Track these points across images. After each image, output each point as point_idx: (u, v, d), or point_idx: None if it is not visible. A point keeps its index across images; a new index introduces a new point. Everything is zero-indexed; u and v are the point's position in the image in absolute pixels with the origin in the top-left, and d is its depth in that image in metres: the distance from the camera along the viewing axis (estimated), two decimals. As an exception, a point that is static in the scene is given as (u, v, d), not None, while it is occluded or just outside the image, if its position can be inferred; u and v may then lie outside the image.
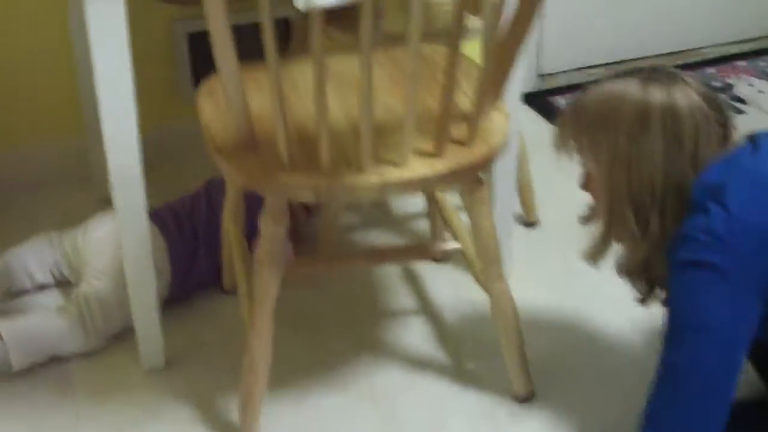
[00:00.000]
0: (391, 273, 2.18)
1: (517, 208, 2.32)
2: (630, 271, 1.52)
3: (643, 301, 1.54)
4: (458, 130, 1.60)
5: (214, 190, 2.13)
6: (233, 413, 1.81)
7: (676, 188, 1.40)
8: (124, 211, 1.77)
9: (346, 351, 1.97)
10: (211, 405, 1.83)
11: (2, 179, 2.40)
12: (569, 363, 1.93)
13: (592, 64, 3.03)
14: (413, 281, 2.16)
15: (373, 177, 1.52)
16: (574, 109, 1.57)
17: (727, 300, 1.30)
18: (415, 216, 2.38)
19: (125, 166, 1.73)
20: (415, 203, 2.42)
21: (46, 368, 1.90)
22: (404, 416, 1.80)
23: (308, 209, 2.21)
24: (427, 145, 1.57)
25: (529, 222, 2.35)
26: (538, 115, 2.79)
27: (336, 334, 2.01)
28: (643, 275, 1.50)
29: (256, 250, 1.61)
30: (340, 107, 1.66)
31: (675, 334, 1.34)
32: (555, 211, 2.38)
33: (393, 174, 1.52)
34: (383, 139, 1.58)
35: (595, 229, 1.53)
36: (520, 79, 1.95)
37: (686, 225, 1.35)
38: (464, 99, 1.70)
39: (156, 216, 2.01)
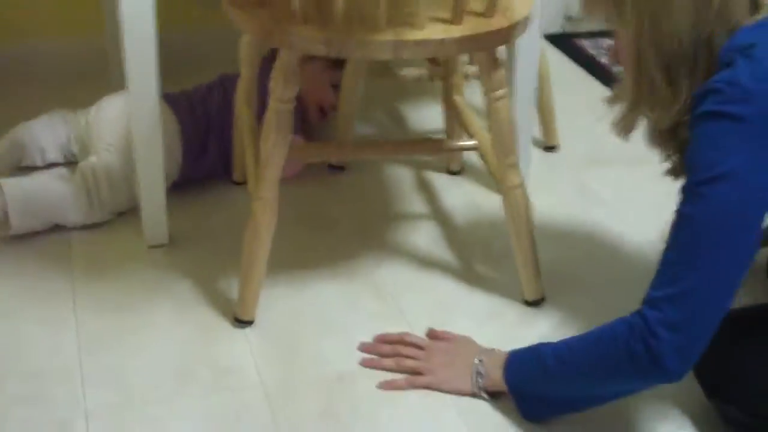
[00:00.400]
0: (404, 181, 2.14)
1: (537, 133, 2.27)
2: (661, 138, 1.46)
3: (675, 171, 1.48)
4: (478, 4, 1.56)
5: (227, 82, 2.09)
6: (234, 292, 1.77)
7: (705, 46, 1.34)
8: (136, 85, 1.75)
9: (352, 246, 1.93)
10: (212, 284, 1.80)
11: (16, 71, 2.38)
12: (582, 271, 1.88)
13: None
14: (426, 190, 2.12)
15: (387, 34, 1.48)
16: None
17: (749, 149, 1.24)
18: (433, 133, 2.34)
19: (140, 40, 1.71)
20: (433, 119, 2.37)
21: (46, 237, 1.88)
22: (407, 310, 1.76)
23: (323, 110, 2.18)
24: (445, 14, 1.54)
25: (548, 146, 2.30)
26: (563, 55, 2.75)
27: (344, 231, 1.97)
28: (674, 142, 1.45)
29: (265, 112, 1.58)
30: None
31: (693, 188, 1.28)
32: (575, 140, 2.33)
33: (408, 34, 1.49)
34: (399, 8, 1.55)
35: (623, 100, 1.47)
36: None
37: (711, 79, 1.30)
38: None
39: (168, 97, 1.99)
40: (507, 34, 1.56)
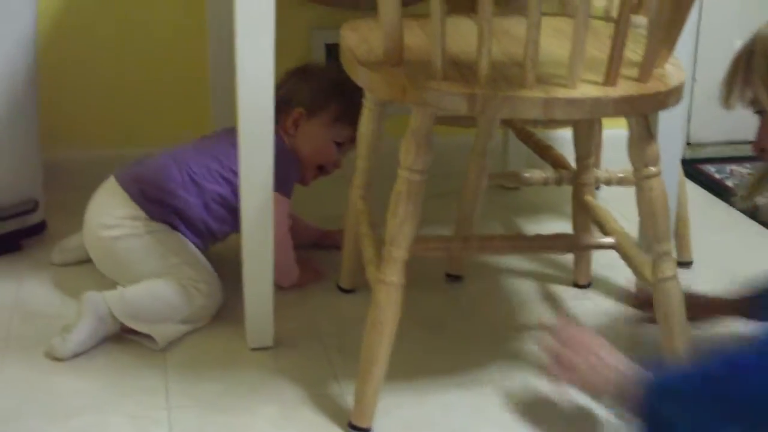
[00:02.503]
0: (527, 292, 1.95)
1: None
2: None
3: None
4: (630, 71, 1.42)
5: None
6: (344, 399, 1.58)
7: None
8: (248, 179, 1.63)
9: (476, 354, 1.73)
10: (322, 387, 1.61)
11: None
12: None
13: (742, 139, 2.82)
14: (553, 301, 1.93)
15: (537, 91, 1.34)
16: (747, 56, 1.48)
17: None
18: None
19: (256, 139, 1.61)
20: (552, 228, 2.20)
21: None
22: (542, 421, 1.55)
23: (322, 169, 2.00)
24: (597, 77, 1.40)
25: (683, 261, 2.10)
26: (688, 180, 2.58)
27: (465, 339, 1.78)
28: None
29: (395, 184, 1.43)
30: (502, 53, 1.50)
31: None
32: (709, 257, 2.14)
33: (560, 92, 1.34)
34: (547, 68, 1.41)
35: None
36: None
37: None
38: (633, 55, 1.53)
39: None
40: (664, 99, 1.41)
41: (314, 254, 2.04)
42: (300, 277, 1.92)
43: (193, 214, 1.81)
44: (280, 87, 1.75)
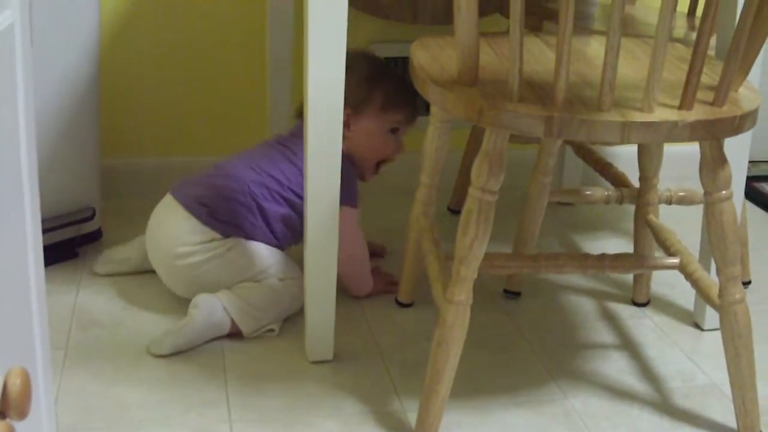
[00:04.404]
0: (586, 310, 1.94)
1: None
2: None
3: None
4: (706, 95, 1.41)
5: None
6: (406, 415, 1.58)
7: None
8: (314, 191, 1.63)
9: (536, 373, 1.72)
10: (383, 404, 1.61)
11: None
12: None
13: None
14: (611, 319, 1.91)
15: (614, 115, 1.33)
16: None
17: None
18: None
19: (323, 155, 1.61)
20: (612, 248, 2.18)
21: (199, 346, 1.74)
22: (605, 443, 1.54)
23: (382, 163, 1.99)
24: (672, 101, 1.39)
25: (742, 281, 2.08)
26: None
27: (525, 357, 1.77)
28: None
29: (466, 203, 1.42)
30: (574, 74, 1.49)
31: None
32: (766, 279, 2.12)
33: (637, 116, 1.33)
34: (623, 91, 1.41)
35: None
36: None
37: None
38: (705, 78, 1.51)
39: None
40: (740, 123, 1.39)
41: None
42: (374, 286, 1.92)
43: (257, 235, 1.81)
44: None
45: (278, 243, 1.85)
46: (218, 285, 1.78)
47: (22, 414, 0.80)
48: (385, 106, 1.91)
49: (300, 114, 1.86)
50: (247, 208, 1.81)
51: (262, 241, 1.82)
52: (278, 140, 1.94)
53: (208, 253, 1.78)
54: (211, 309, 1.72)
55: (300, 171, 1.82)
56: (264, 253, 1.81)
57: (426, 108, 1.72)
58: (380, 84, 1.91)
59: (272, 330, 1.78)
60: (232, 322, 1.74)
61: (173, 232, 1.81)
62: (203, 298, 1.74)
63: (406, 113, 1.92)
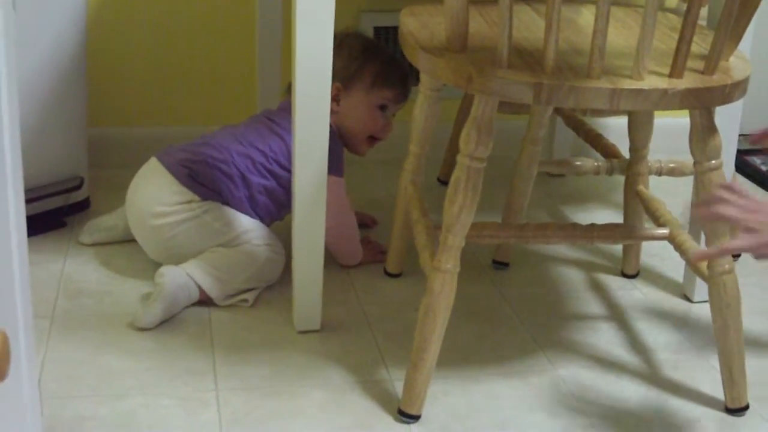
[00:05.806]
0: (574, 280, 1.94)
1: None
2: None
3: None
4: (696, 64, 1.40)
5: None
6: (393, 384, 1.57)
7: None
8: (302, 162, 1.62)
9: (523, 344, 1.72)
10: (370, 373, 1.61)
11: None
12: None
13: (790, 132, 2.79)
14: (600, 290, 1.91)
15: (603, 82, 1.32)
16: None
17: None
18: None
19: (312, 123, 1.60)
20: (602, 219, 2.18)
21: (185, 315, 1.74)
22: (591, 413, 1.54)
23: (374, 138, 1.98)
24: (662, 69, 1.38)
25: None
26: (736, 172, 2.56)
27: (513, 328, 1.77)
28: None
29: (454, 171, 1.42)
30: (564, 42, 1.47)
31: None
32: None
33: (626, 83, 1.32)
34: (613, 59, 1.40)
35: None
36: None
37: None
38: (696, 47, 1.50)
39: None
40: (730, 92, 1.39)
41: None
42: (364, 256, 1.92)
43: (237, 206, 1.81)
44: None
45: (259, 217, 1.83)
46: (192, 248, 1.77)
47: (1, 375, 0.79)
48: (374, 82, 1.91)
49: (289, 90, 1.85)
50: (229, 177, 1.80)
51: (243, 212, 1.82)
52: (266, 115, 1.94)
53: (184, 213, 1.78)
54: (176, 275, 1.72)
55: (287, 145, 1.81)
56: (241, 219, 1.80)
57: (416, 78, 1.71)
58: (371, 60, 1.91)
59: (245, 300, 1.77)
60: (200, 287, 1.74)
61: (153, 191, 1.81)
62: (167, 268, 1.73)
63: (395, 91, 1.92)
